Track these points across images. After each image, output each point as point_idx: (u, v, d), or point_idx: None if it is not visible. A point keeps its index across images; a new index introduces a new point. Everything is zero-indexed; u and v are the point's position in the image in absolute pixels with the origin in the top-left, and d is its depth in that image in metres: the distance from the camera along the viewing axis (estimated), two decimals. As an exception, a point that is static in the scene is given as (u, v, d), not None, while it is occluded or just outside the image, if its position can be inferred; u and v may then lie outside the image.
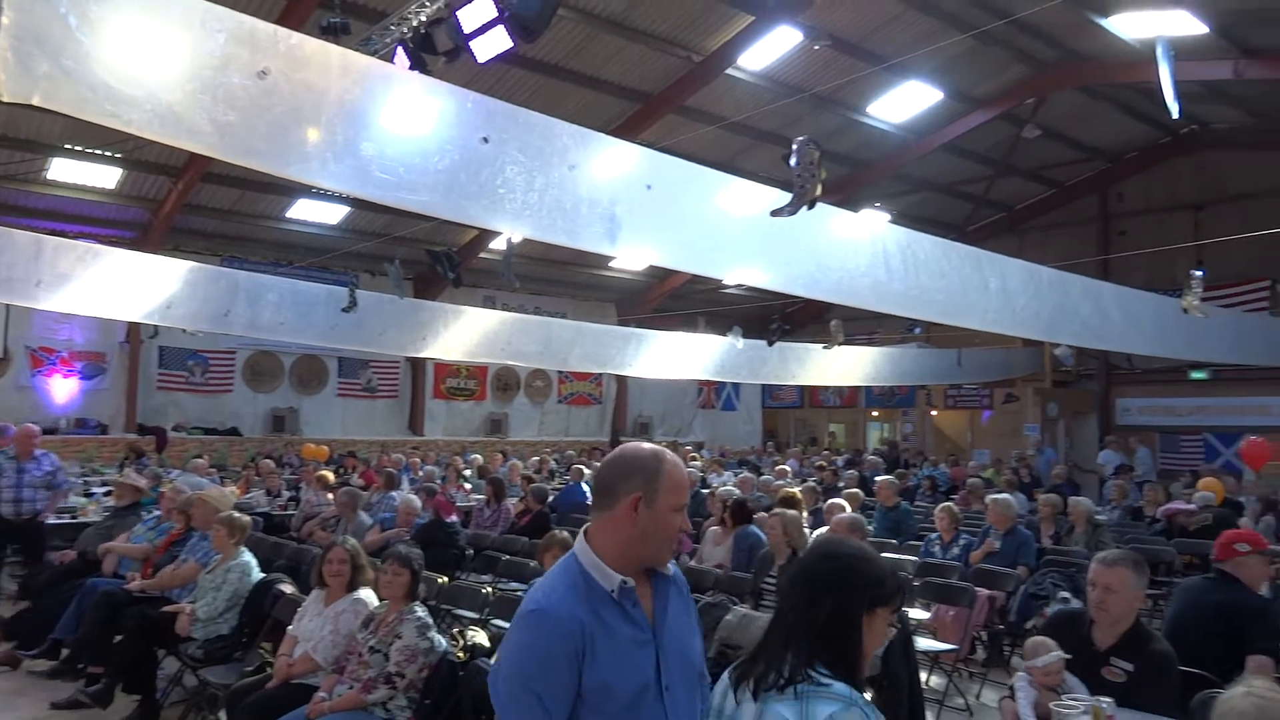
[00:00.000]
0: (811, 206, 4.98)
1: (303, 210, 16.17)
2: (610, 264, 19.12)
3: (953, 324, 7.42)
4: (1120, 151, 18.62)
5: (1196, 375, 17.23)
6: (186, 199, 14.61)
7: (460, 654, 4.59)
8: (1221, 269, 15.84)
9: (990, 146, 17.49)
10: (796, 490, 8.38)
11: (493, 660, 2.08)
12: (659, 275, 19.91)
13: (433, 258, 9.41)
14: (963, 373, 17.05)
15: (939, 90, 14.80)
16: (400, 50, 7.34)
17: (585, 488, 11.45)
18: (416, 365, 19.54)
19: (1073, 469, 15.12)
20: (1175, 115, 6.04)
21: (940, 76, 14.41)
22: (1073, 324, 8.09)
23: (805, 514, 7.77)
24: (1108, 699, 3.05)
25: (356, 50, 5.63)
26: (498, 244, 15.52)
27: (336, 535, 6.31)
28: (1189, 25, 11.69)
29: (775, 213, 4.99)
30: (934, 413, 20.90)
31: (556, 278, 20.05)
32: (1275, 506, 9.33)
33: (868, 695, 1.89)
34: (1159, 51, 5.55)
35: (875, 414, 22.42)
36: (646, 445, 2.13)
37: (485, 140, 4.51)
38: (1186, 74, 12.56)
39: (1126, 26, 12.31)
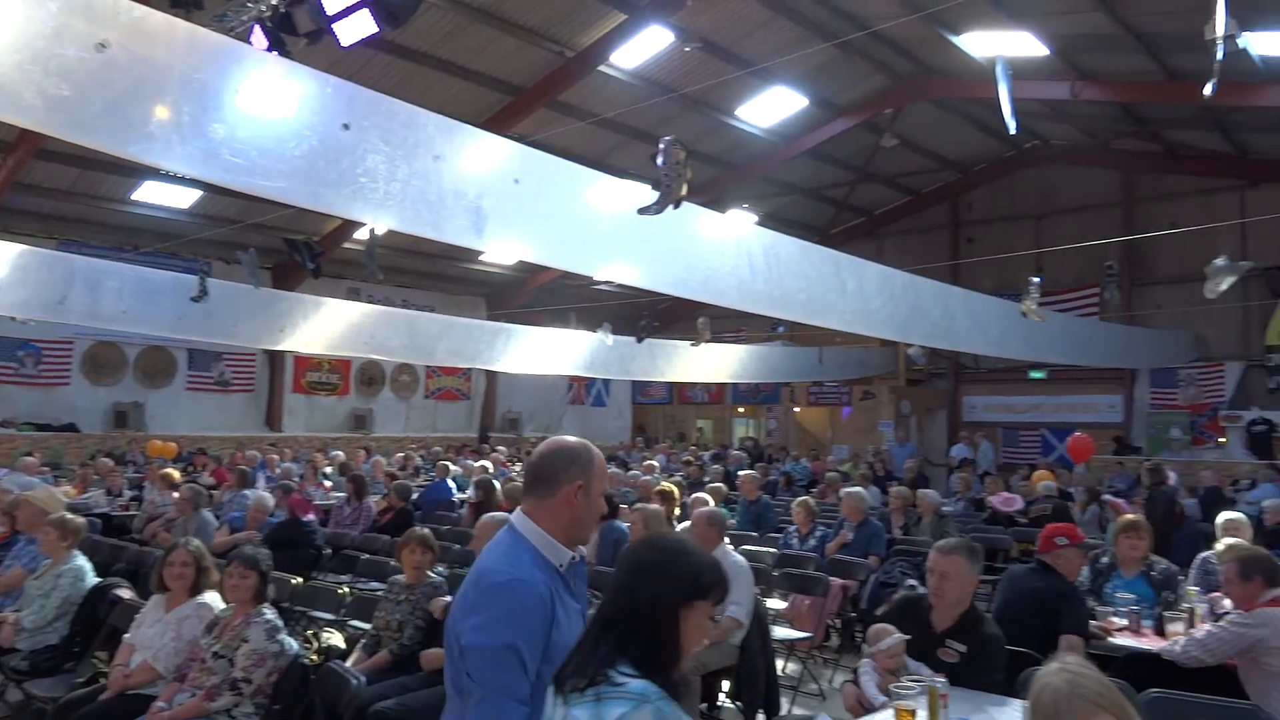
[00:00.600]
0: (677, 206, 5.05)
1: (150, 193, 15.22)
2: (480, 258, 18.87)
3: (814, 323, 7.71)
4: (970, 163, 19.68)
5: (1035, 375, 18.45)
6: (18, 177, 13.51)
7: (314, 656, 4.46)
8: (1058, 276, 17.06)
9: (852, 153, 18.16)
10: (670, 485, 8.50)
11: (461, 633, 2.15)
12: (530, 270, 19.77)
13: (291, 247, 9.05)
14: (824, 371, 17.68)
15: (804, 97, 15.28)
16: (257, 29, 7.02)
17: (451, 484, 11.29)
18: (275, 358, 18.74)
19: (923, 463, 15.90)
20: (1012, 130, 6.44)
21: (806, 83, 14.88)
22: (923, 325, 8.55)
23: (677, 509, 7.91)
24: (942, 678, 3.24)
25: (209, 27, 5.37)
26: (362, 234, 15.05)
27: (178, 536, 6.00)
28: (1032, 47, 12.46)
29: (642, 211, 5.04)
30: (797, 409, 21.57)
31: (425, 270, 19.64)
32: (1099, 496, 10.11)
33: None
34: (998, 70, 5.91)
35: (741, 410, 22.95)
36: (572, 438, 2.36)
37: (346, 127, 4.38)
38: (1028, 92, 13.41)
39: (975, 45, 12.99)
